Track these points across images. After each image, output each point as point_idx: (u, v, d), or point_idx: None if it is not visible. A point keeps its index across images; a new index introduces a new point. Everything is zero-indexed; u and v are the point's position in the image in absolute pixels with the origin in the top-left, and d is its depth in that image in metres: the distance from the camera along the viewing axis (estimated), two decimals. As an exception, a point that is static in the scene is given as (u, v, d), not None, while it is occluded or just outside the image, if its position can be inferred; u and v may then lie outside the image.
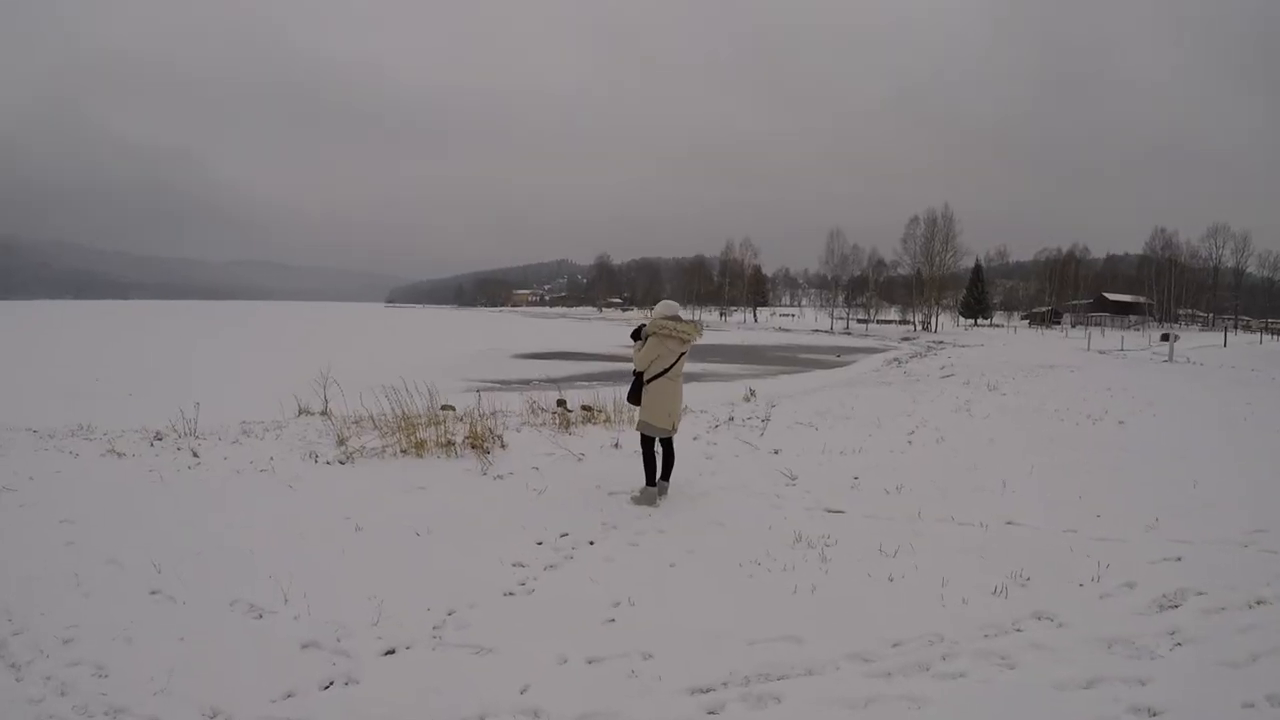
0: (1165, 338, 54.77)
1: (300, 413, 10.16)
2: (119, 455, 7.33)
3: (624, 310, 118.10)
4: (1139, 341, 48.83)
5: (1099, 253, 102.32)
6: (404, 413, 7.81)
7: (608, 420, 8.75)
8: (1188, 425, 10.17)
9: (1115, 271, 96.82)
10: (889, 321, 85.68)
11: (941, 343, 51.42)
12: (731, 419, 9.92)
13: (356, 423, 8.55)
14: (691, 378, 28.78)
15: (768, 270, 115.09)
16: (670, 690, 3.12)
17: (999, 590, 4.20)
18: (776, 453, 7.79)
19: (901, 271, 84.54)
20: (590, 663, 3.34)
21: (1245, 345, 38.94)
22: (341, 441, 7.51)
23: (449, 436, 7.29)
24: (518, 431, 8.07)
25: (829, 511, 5.78)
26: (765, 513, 5.69)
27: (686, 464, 6.66)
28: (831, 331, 76.09)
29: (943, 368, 24.76)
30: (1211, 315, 77.13)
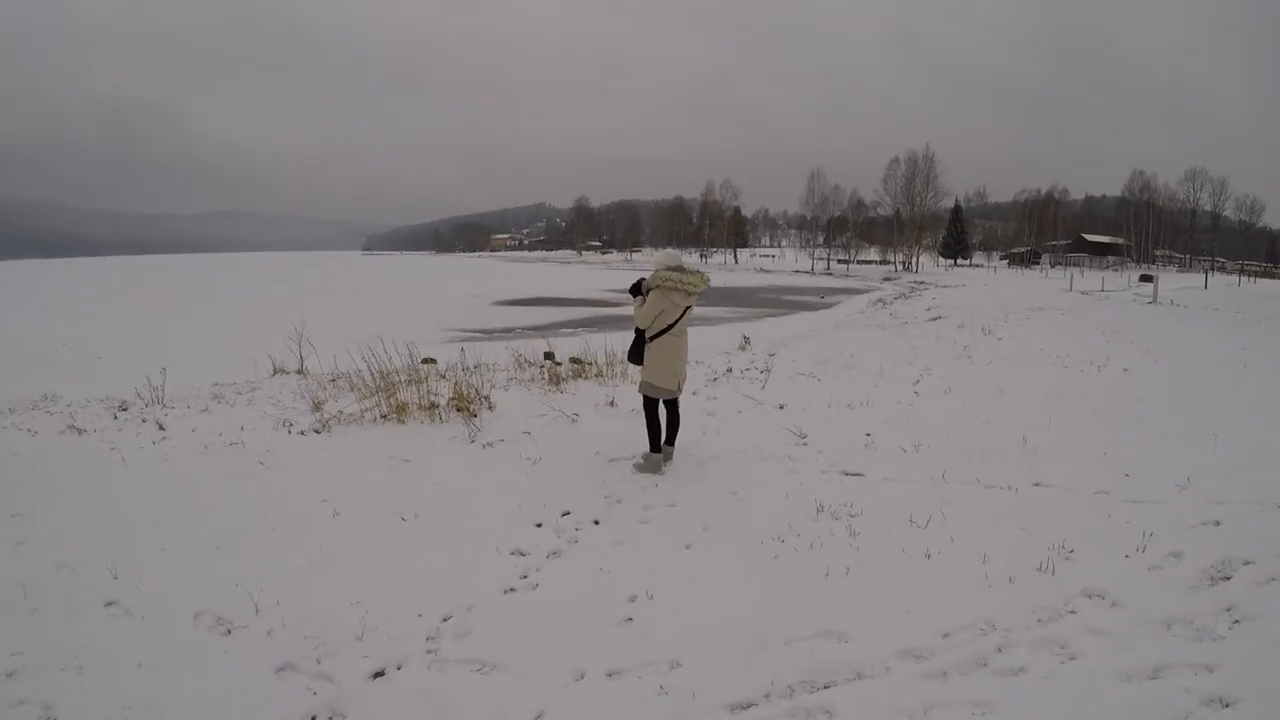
0: (1145, 279, 55.15)
1: (275, 372, 9.55)
2: (79, 432, 6.65)
3: (603, 253, 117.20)
4: (1119, 282, 49.02)
5: (1078, 195, 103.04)
6: (383, 371, 7.21)
7: (600, 375, 8.23)
8: (1191, 371, 9.90)
9: (1094, 213, 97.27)
10: (869, 262, 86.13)
11: (923, 283, 51.49)
12: (730, 370, 9.47)
13: (333, 381, 7.97)
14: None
15: (747, 212, 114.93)
16: (708, 708, 2.70)
17: (1045, 566, 3.83)
18: (782, 408, 7.36)
19: (882, 212, 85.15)
20: (611, 676, 2.90)
21: (1224, 287, 38.98)
22: (317, 406, 6.91)
23: (432, 398, 6.71)
24: (505, 390, 7.50)
25: (846, 475, 5.40)
26: (780, 478, 5.29)
27: (689, 422, 6.17)
28: (812, 272, 76.11)
29: (929, 309, 24.55)
30: (1189, 257, 78.08)
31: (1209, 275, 45.71)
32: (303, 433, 6.30)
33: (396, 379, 7.05)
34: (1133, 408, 7.52)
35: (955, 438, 6.30)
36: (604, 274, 65.71)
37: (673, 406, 5.48)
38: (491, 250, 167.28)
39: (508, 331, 18.69)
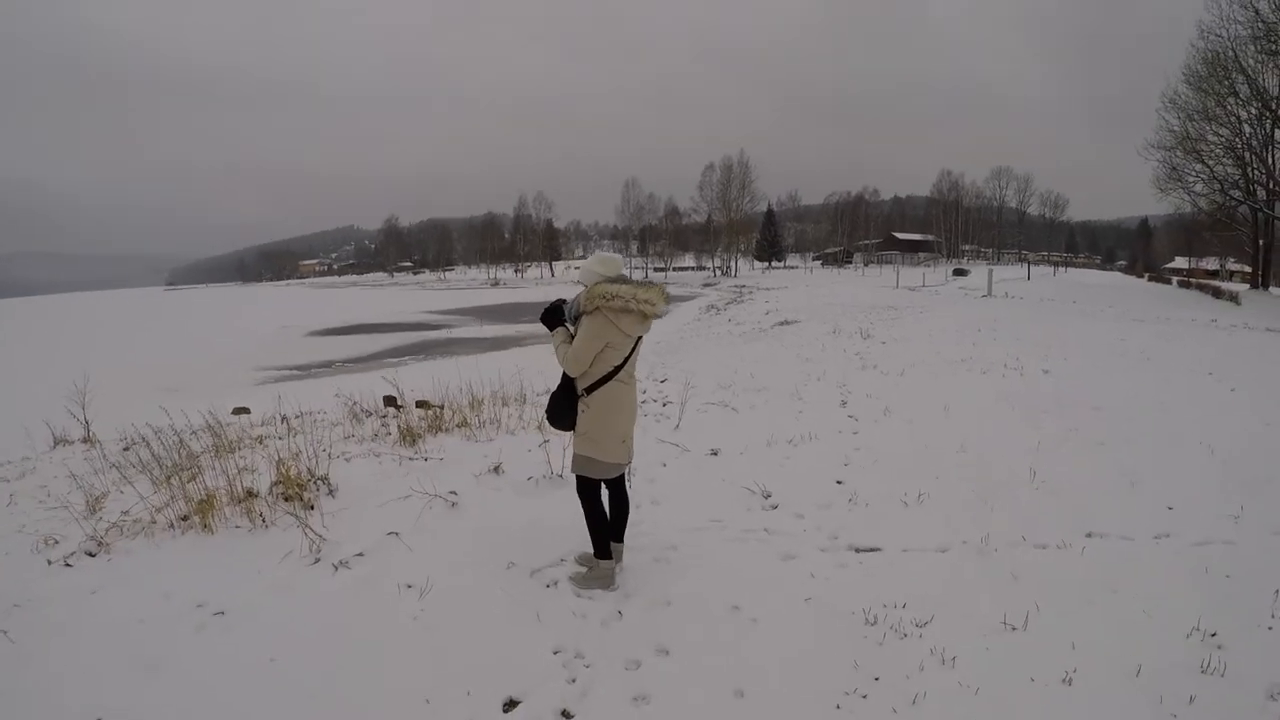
0: (959, 273, 64.32)
1: (56, 443, 7.88)
2: None
3: (415, 274, 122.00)
4: (937, 278, 55.69)
5: (887, 195, 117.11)
6: (180, 439, 5.87)
7: (464, 423, 6.43)
8: (1108, 372, 10.41)
9: (904, 213, 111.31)
10: (686, 268, 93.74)
11: (745, 287, 55.33)
12: None
13: (126, 450, 6.65)
14: (511, 343, 26.76)
15: (560, 224, 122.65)
16: None
17: (1209, 668, 3.05)
18: (715, 454, 6.13)
19: (697, 218, 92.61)
20: None
21: (1042, 277, 45.36)
22: (94, 506, 4.85)
23: (248, 485, 4.78)
24: (346, 461, 5.48)
25: (857, 550, 4.36)
26: (777, 569, 4.08)
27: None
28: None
29: (768, 313, 25.37)
30: (995, 250, 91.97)
31: (1030, 267, 53.23)
32: (68, 563, 4.14)
33: (198, 451, 5.61)
34: (1096, 420, 7.40)
35: (944, 476, 5.59)
36: (419, 295, 65.01)
37: (618, 485, 3.99)
38: (300, 277, 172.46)
39: (326, 366, 18.29)
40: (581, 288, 3.79)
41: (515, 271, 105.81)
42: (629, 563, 4.01)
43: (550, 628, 3.45)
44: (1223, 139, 35.53)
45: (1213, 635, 3.29)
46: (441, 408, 6.99)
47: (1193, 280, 41.52)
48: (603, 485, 3.92)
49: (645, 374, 10.04)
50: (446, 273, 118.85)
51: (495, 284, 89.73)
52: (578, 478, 3.85)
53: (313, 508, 4.57)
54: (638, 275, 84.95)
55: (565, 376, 3.77)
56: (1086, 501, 5.03)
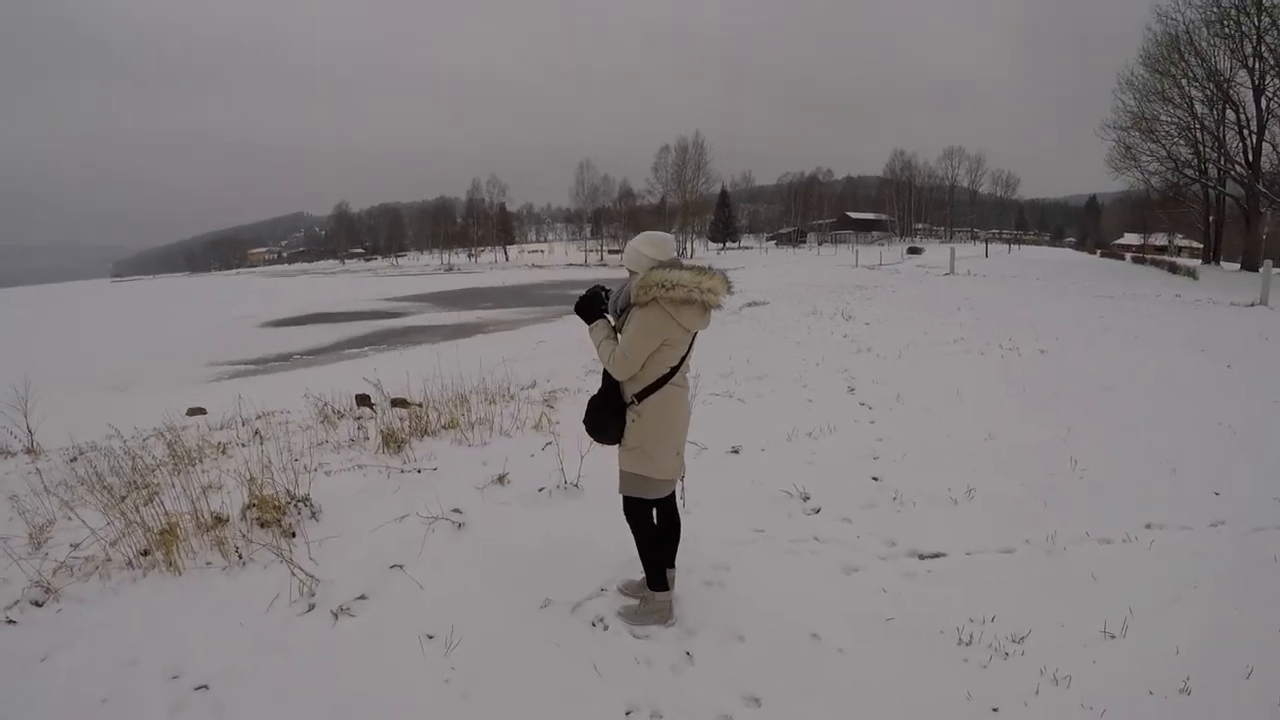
0: (913, 251, 65.96)
1: None
2: None
3: (367, 260, 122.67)
4: (892, 256, 56.68)
5: (840, 175, 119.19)
6: (134, 457, 5.21)
7: (453, 423, 5.90)
8: (1105, 350, 10.52)
9: (856, 192, 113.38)
10: None
11: None
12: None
13: (73, 462, 5.98)
14: (474, 330, 26.38)
15: (513, 208, 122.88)
16: None
17: None
18: (736, 451, 5.78)
19: (651, 200, 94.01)
20: None
21: (998, 255, 46.37)
22: (38, 541, 4.15)
23: (216, 509, 4.14)
24: (326, 474, 4.87)
25: (922, 558, 4.06)
26: (845, 586, 3.74)
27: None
28: (586, 264, 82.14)
29: (732, 295, 25.22)
30: (947, 229, 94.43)
31: (987, 245, 54.53)
32: (10, 618, 3.42)
33: (154, 464, 5.07)
34: (1113, 402, 7.42)
35: (982, 469, 5.40)
36: (373, 282, 64.04)
37: (669, 502, 3.49)
38: (250, 266, 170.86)
39: (284, 360, 17.81)
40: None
41: (469, 256, 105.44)
42: (680, 588, 3.57)
43: (613, 681, 2.99)
44: (1176, 119, 37.01)
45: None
46: (422, 406, 6.49)
47: (1146, 256, 42.77)
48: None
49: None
50: (399, 259, 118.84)
51: (449, 269, 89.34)
52: (626, 499, 3.37)
53: (294, 535, 3.98)
54: (593, 258, 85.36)
55: (607, 379, 3.25)
56: (1134, 491, 4.96)
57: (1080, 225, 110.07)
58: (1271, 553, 3.97)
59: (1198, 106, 36.11)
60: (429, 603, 3.45)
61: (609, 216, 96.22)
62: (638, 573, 3.65)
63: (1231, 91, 34.54)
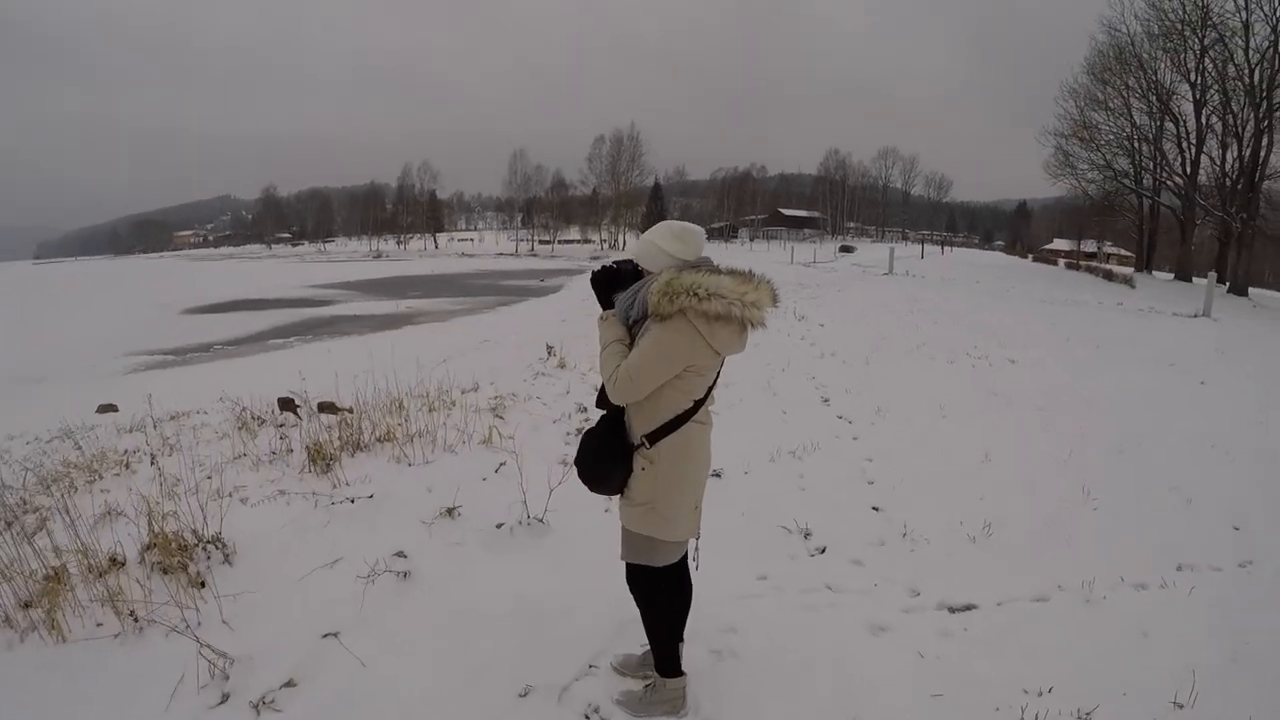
0: (845, 249, 67.70)
1: None
2: None
3: (294, 245, 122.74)
4: (825, 254, 57.71)
5: (775, 172, 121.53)
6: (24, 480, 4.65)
7: (389, 435, 5.22)
8: (1074, 361, 10.68)
9: (790, 189, 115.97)
10: (572, 241, 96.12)
11: None
12: (591, 407, 7.00)
13: None
14: (403, 321, 26.14)
15: (443, 195, 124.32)
16: None
17: None
18: (717, 475, 5.29)
19: (584, 190, 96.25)
20: None
21: (932, 256, 47.59)
22: None
23: (111, 548, 3.39)
24: (244, 504, 4.14)
25: (953, 611, 3.72)
26: (876, 651, 3.30)
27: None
28: (517, 254, 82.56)
29: None
30: (879, 228, 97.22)
31: (923, 246, 56.12)
32: None
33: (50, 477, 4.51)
34: (1100, 417, 7.40)
35: (989, 498, 5.15)
36: (300, 268, 62.80)
37: (680, 567, 2.88)
38: (175, 249, 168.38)
39: (205, 350, 17.48)
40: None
41: (398, 243, 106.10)
42: (686, 661, 2.97)
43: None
44: (1116, 129, 39.11)
45: None
46: (351, 411, 5.81)
47: (1080, 263, 44.54)
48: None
49: (576, 363, 9.06)
50: (327, 244, 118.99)
51: (378, 256, 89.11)
52: (631, 568, 2.78)
53: (204, 585, 3.30)
54: (523, 248, 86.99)
55: (609, 409, 2.64)
56: (1154, 524, 4.82)
57: (1011, 229, 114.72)
58: None
59: (1138, 117, 38.40)
60: (375, 692, 2.80)
61: (540, 206, 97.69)
62: (633, 644, 3.12)
63: (1172, 104, 36.66)
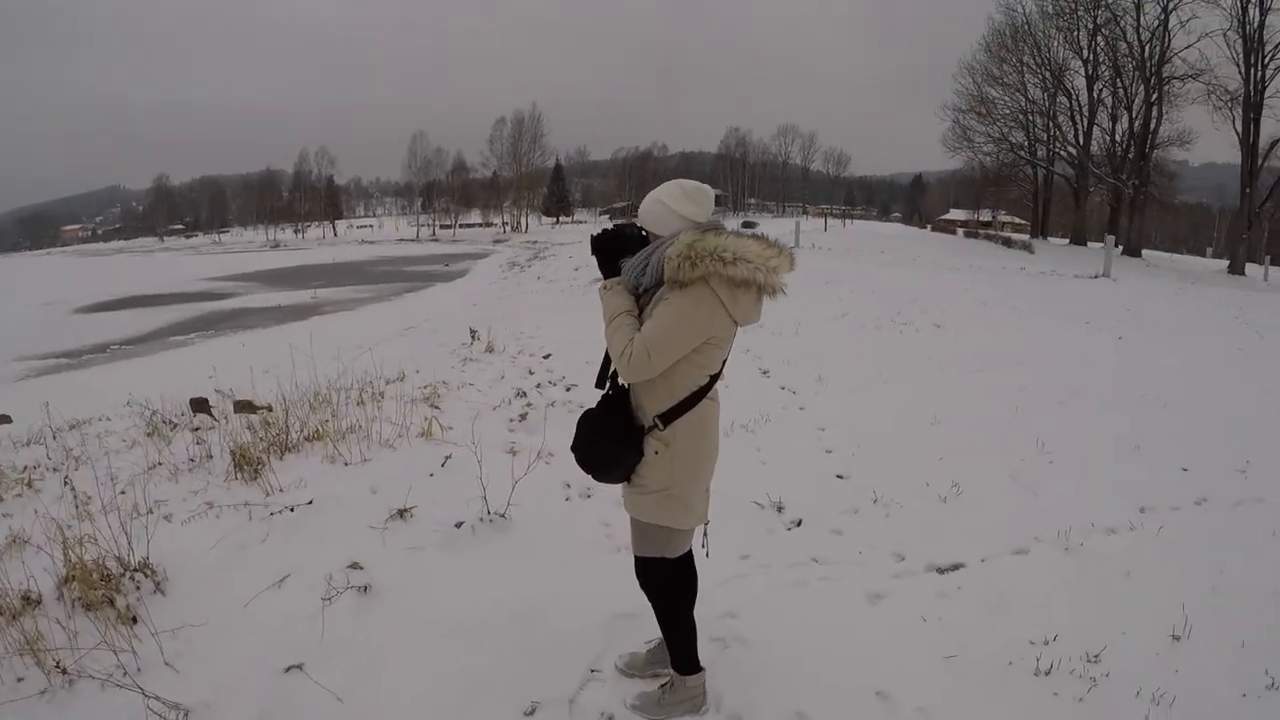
0: (748, 224, 69.48)
1: None
2: None
3: (187, 237, 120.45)
4: (731, 227, 58.86)
5: (676, 150, 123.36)
6: None
7: (318, 434, 4.84)
8: (995, 323, 11.27)
9: (691, 168, 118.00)
10: (473, 225, 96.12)
11: (538, 242, 57.28)
12: (530, 392, 6.81)
13: None
14: (309, 311, 25.65)
15: (340, 180, 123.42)
16: None
17: None
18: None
19: (485, 173, 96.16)
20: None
21: (835, 229, 49.18)
22: None
23: (24, 584, 3.00)
24: (168, 520, 3.74)
25: (941, 572, 3.82)
26: (878, 620, 3.33)
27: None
28: (418, 240, 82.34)
29: (578, 269, 25.09)
30: (779, 203, 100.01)
31: (827, 220, 58.06)
32: None
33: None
34: (1034, 374, 7.70)
35: (950, 458, 5.24)
36: (195, 260, 60.53)
37: (688, 557, 2.75)
38: (64, 244, 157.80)
39: (102, 350, 17.07)
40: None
41: (296, 232, 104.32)
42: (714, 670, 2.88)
43: None
44: (1012, 103, 42.10)
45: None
46: (271, 409, 5.47)
47: (979, 231, 46.86)
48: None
49: (505, 347, 8.83)
50: (222, 235, 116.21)
51: (275, 246, 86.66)
52: (643, 561, 2.64)
53: (135, 620, 2.94)
54: (425, 233, 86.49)
55: (615, 388, 2.51)
56: (1109, 472, 5.07)
57: (908, 201, 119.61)
58: (1271, 528, 4.20)
59: (1033, 92, 41.86)
60: None
61: (441, 190, 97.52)
62: (631, 641, 2.99)
63: (1065, 79, 40.03)
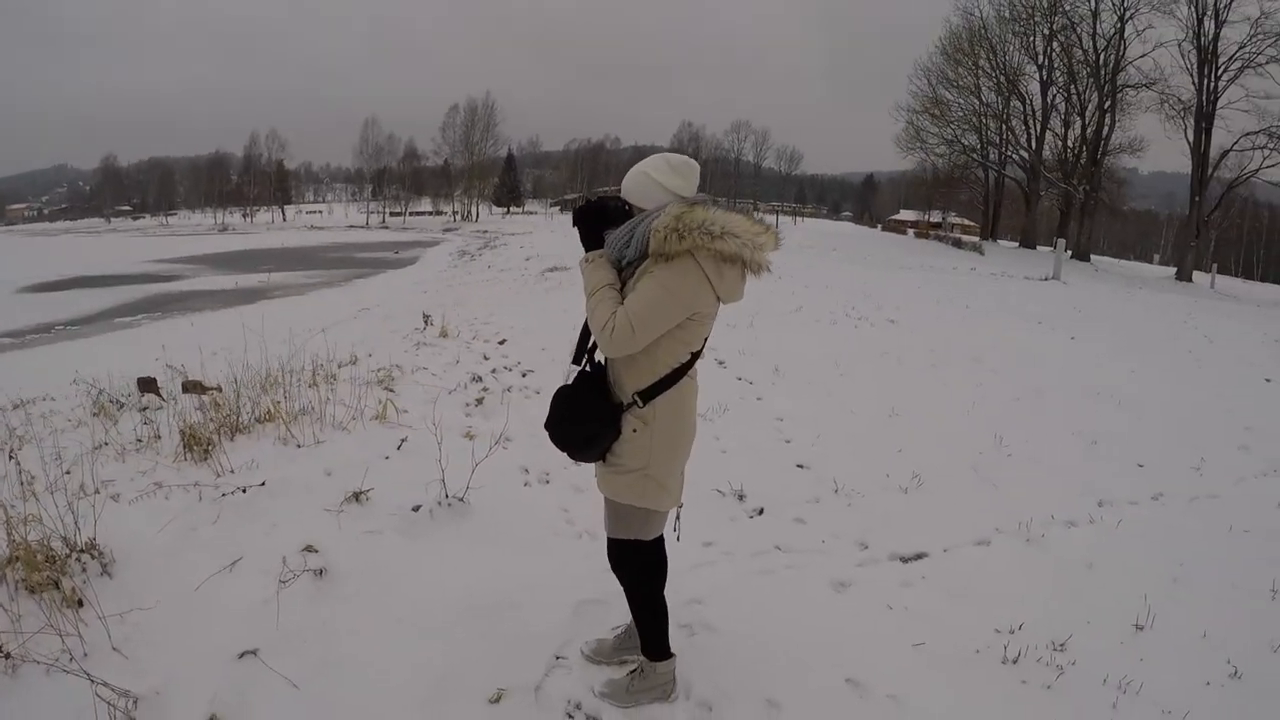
0: None
1: None
2: None
3: (135, 219, 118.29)
4: None
5: (629, 143, 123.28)
6: None
7: (270, 414, 4.68)
8: (949, 320, 11.36)
9: None
10: (424, 213, 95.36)
11: (488, 232, 56.71)
12: (486, 377, 6.68)
13: None
14: (258, 295, 25.51)
15: (290, 165, 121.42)
16: None
17: None
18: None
19: (437, 160, 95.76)
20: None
21: (786, 226, 49.88)
22: None
23: None
24: (115, 500, 3.55)
25: (905, 561, 3.89)
26: (846, 608, 3.36)
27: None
28: (368, 226, 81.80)
29: (529, 259, 25.09)
30: (731, 200, 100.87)
31: (778, 216, 58.94)
32: None
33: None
34: (990, 371, 7.89)
35: (909, 450, 5.34)
36: (143, 242, 58.67)
37: (660, 540, 2.71)
38: (9, 224, 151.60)
39: (46, 330, 16.95)
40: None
41: (244, 216, 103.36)
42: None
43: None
44: (967, 106, 43.26)
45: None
46: (220, 390, 5.27)
47: (930, 232, 47.82)
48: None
49: (459, 332, 8.67)
50: (170, 218, 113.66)
51: (224, 230, 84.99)
52: (616, 544, 2.59)
53: (81, 604, 2.82)
54: (374, 220, 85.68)
55: (593, 362, 2.47)
56: (1068, 466, 5.24)
57: (859, 200, 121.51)
58: (1226, 523, 4.41)
59: (987, 95, 42.92)
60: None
61: (392, 177, 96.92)
62: (597, 627, 2.96)
63: (1020, 84, 41.29)
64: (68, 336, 16.23)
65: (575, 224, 2.43)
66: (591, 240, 2.41)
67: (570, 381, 2.48)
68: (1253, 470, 5.45)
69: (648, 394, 2.36)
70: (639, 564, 2.58)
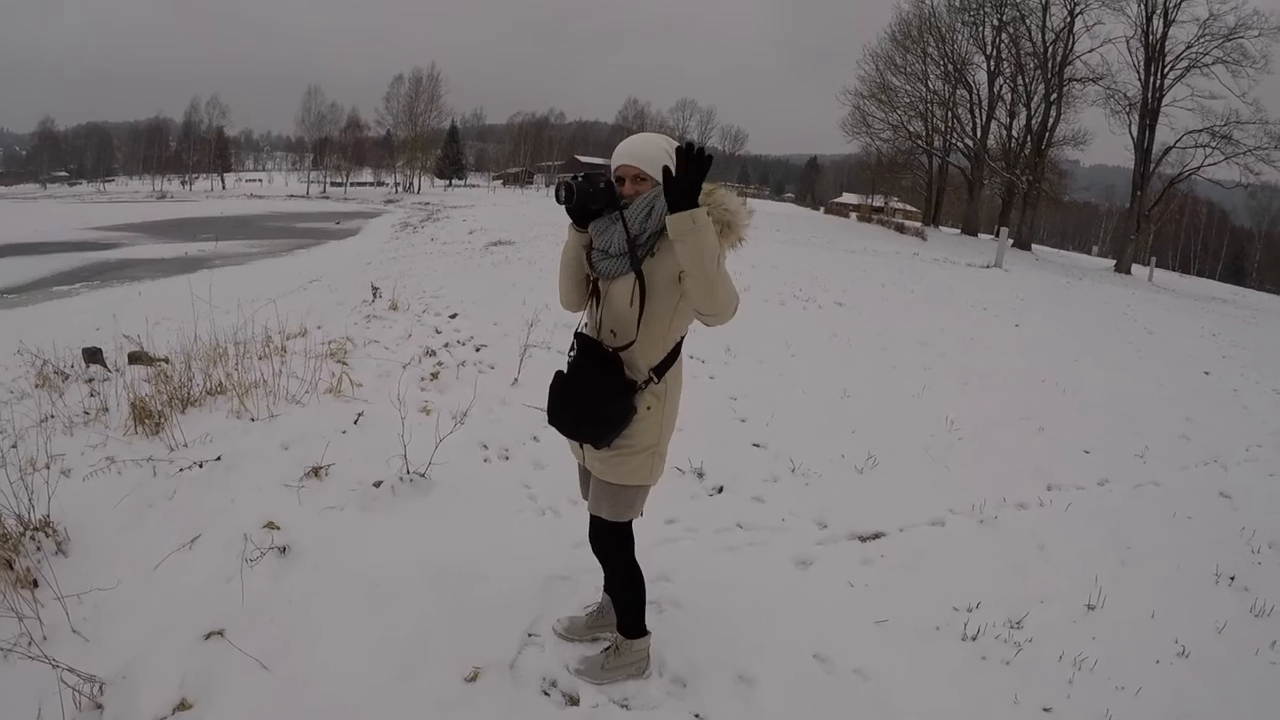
0: None
1: None
2: None
3: (71, 185, 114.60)
4: None
5: (573, 118, 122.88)
6: None
7: (222, 386, 4.57)
8: (896, 304, 11.59)
9: (588, 137, 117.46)
10: (365, 184, 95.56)
11: (430, 204, 55.80)
12: (440, 351, 6.52)
13: None
14: (197, 264, 25.13)
15: (231, 132, 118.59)
16: None
17: (1260, 611, 3.56)
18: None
19: (380, 130, 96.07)
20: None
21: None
22: None
23: None
24: (66, 476, 3.44)
25: (864, 540, 4.01)
26: (809, 586, 3.46)
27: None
28: (309, 196, 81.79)
29: (472, 232, 24.84)
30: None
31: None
32: None
33: None
34: (936, 355, 8.09)
35: (862, 431, 5.48)
36: (80, 209, 56.58)
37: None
38: None
39: None
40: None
41: (183, 184, 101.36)
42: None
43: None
44: (913, 92, 44.06)
45: (1231, 579, 3.81)
46: (168, 361, 5.11)
47: (873, 216, 48.62)
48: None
49: (409, 305, 8.51)
50: (107, 184, 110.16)
51: (162, 197, 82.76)
52: (605, 525, 2.55)
53: (36, 584, 2.71)
54: (315, 189, 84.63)
55: (588, 341, 2.40)
56: (1017, 452, 5.41)
57: (802, 182, 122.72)
58: (1171, 510, 4.63)
59: (934, 82, 43.60)
60: (293, 700, 2.42)
61: (334, 147, 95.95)
62: (567, 604, 2.99)
63: (967, 73, 42.12)
64: (4, 305, 15.81)
65: (561, 200, 2.36)
66: (580, 215, 2.38)
67: (575, 365, 2.41)
68: (1194, 459, 5.72)
69: (660, 368, 2.38)
70: (624, 544, 2.61)
